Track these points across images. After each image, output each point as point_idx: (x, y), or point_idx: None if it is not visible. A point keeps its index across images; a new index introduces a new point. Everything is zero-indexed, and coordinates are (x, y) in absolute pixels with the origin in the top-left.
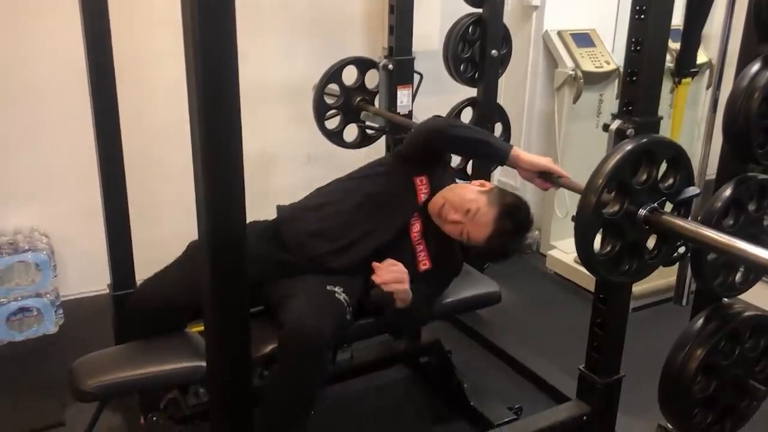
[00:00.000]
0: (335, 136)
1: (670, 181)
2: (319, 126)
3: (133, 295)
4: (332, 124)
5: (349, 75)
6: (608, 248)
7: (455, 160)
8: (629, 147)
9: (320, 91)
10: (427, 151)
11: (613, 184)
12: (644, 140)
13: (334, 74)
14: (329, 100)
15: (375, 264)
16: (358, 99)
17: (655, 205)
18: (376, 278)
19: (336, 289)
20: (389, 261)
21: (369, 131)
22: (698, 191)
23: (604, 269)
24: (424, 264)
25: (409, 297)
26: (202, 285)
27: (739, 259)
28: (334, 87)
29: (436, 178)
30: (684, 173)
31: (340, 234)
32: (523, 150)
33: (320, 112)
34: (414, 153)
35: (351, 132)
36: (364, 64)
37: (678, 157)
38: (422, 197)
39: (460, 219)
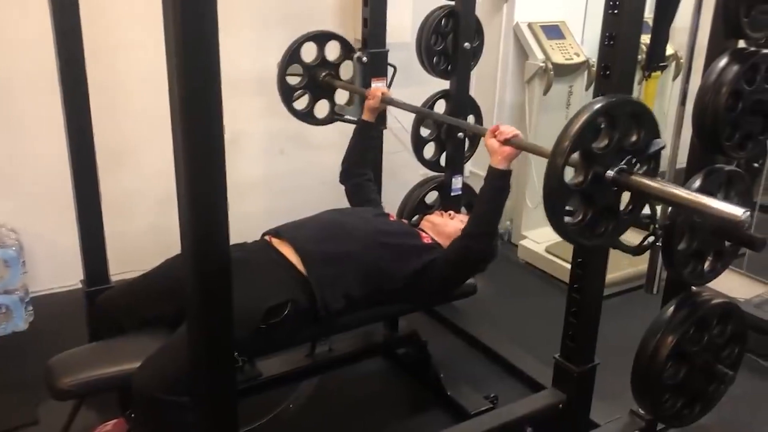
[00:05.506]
0: (306, 116)
1: (634, 137)
2: (287, 107)
3: (104, 299)
4: (301, 104)
5: (309, 52)
6: (581, 216)
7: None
8: (585, 116)
9: (282, 73)
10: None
11: (576, 155)
12: (599, 105)
13: (293, 54)
14: (294, 81)
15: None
16: (323, 74)
17: (623, 165)
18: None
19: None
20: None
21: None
22: (663, 144)
23: (580, 236)
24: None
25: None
26: (187, 276)
27: (703, 214)
28: (297, 67)
29: None
30: (647, 128)
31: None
32: None
33: (286, 94)
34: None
35: (321, 108)
36: (321, 39)
37: (638, 113)
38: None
39: None
